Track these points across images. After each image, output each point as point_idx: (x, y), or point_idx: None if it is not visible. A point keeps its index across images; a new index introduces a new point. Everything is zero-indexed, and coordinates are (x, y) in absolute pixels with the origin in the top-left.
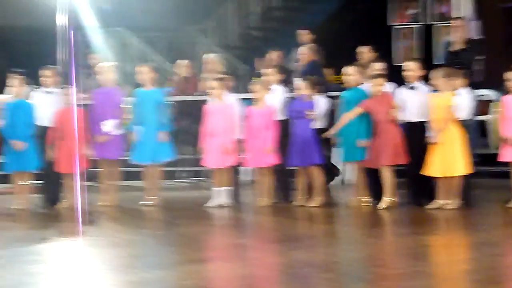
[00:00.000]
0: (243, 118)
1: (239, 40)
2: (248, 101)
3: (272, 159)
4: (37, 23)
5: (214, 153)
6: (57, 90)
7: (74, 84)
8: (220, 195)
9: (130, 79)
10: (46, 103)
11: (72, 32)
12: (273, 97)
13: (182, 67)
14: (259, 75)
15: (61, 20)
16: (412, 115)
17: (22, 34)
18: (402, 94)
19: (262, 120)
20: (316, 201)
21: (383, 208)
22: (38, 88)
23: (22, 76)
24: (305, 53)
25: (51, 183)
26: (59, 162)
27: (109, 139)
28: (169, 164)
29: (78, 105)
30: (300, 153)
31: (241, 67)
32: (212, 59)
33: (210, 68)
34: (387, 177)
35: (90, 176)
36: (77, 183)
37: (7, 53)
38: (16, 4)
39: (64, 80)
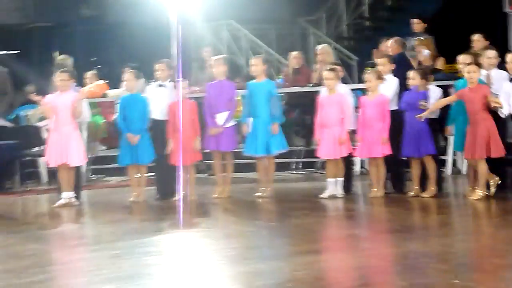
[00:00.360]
0: (355, 108)
1: (350, 30)
2: (360, 92)
3: (385, 149)
4: (149, 19)
5: (327, 144)
6: (169, 83)
7: (181, 77)
8: (333, 186)
9: (241, 71)
10: (160, 97)
11: (179, 26)
12: (386, 87)
13: (294, 58)
14: (372, 65)
15: (172, 14)
16: None
17: (135, 29)
18: (505, 87)
19: (375, 110)
20: (430, 191)
21: (476, 199)
22: (152, 82)
23: (136, 71)
24: (392, 46)
25: (166, 176)
26: (173, 155)
27: (222, 132)
28: (281, 156)
29: (190, 98)
30: (414, 144)
31: (353, 57)
32: (324, 50)
33: (322, 59)
34: (482, 170)
35: (204, 168)
36: (188, 175)
37: (121, 48)
38: (128, 0)
39: (176, 74)
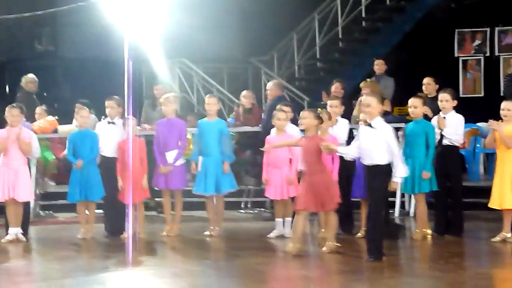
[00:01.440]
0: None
1: (301, 71)
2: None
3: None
4: (103, 55)
5: (275, 184)
6: (119, 121)
7: (131, 115)
8: (281, 226)
9: (193, 109)
10: (109, 134)
11: (131, 62)
12: (338, 129)
13: (244, 98)
14: (324, 106)
15: (126, 51)
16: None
17: (87, 65)
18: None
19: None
20: None
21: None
22: (102, 118)
23: (88, 107)
24: (271, 88)
25: (114, 213)
26: (122, 192)
27: (172, 170)
28: (231, 195)
29: (140, 136)
30: (364, 185)
31: (304, 98)
32: (274, 85)
33: (272, 94)
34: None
35: (154, 206)
36: (136, 213)
37: (73, 84)
38: (84, 36)
39: (127, 111)
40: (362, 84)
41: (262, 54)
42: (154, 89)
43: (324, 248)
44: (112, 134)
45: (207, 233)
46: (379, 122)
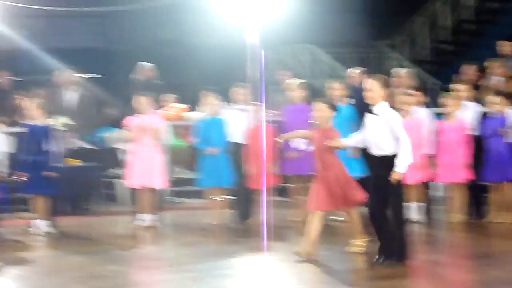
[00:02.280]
0: (434, 133)
1: (430, 54)
2: (439, 116)
3: (465, 174)
4: (227, 41)
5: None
6: (247, 107)
7: (264, 101)
8: (412, 211)
9: (319, 95)
10: (238, 120)
11: (262, 49)
12: (465, 113)
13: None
14: (450, 89)
15: (250, 37)
16: None
17: (213, 52)
18: None
19: (454, 135)
20: (510, 217)
21: None
22: (230, 105)
23: (215, 93)
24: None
25: (244, 199)
26: (251, 178)
27: (300, 155)
28: None
29: (268, 122)
30: (495, 169)
31: (432, 81)
32: (402, 74)
33: (400, 83)
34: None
35: (282, 192)
36: (266, 198)
37: (199, 71)
38: (207, 23)
39: (254, 97)
40: (486, 64)
41: (387, 38)
42: (280, 75)
43: (348, 248)
44: (241, 120)
45: (336, 218)
46: (382, 107)
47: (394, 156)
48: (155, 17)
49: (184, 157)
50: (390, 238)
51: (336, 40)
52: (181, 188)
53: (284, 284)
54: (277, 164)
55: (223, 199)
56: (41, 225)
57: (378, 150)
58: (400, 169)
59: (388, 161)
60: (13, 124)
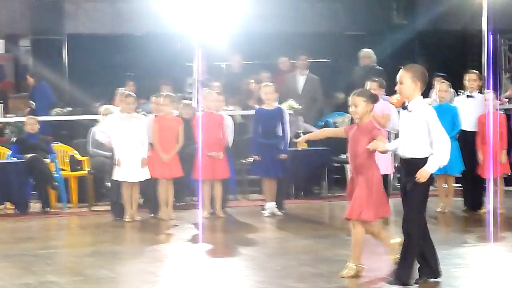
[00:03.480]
0: None
1: None
2: None
3: None
4: (460, 27)
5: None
6: (478, 95)
7: (491, 89)
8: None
9: None
10: (468, 108)
11: (490, 35)
12: None
13: None
14: None
15: (485, 23)
16: None
17: (445, 38)
18: None
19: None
20: None
21: None
22: (461, 92)
23: (447, 80)
24: None
25: (473, 187)
26: (481, 167)
27: None
28: None
29: (499, 110)
30: None
31: None
32: None
33: None
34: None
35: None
36: (495, 187)
37: (429, 57)
38: (440, 8)
39: (486, 85)
40: None
41: None
42: None
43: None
44: (471, 108)
45: None
46: (417, 103)
47: (424, 160)
48: (388, 2)
49: None
50: (430, 254)
51: None
52: None
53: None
54: (504, 153)
55: (452, 187)
56: (271, 207)
57: (412, 153)
58: (432, 168)
59: (417, 166)
60: (245, 107)
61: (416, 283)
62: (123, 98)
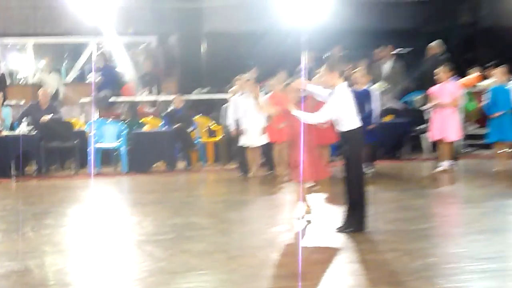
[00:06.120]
0: None
1: None
2: None
3: None
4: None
5: None
6: None
7: None
8: None
9: None
10: None
11: None
12: None
13: None
14: None
15: None
16: None
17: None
18: None
19: None
20: None
21: None
22: None
23: (504, 67)
24: None
25: None
26: None
27: None
28: None
29: None
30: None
31: None
32: None
33: None
34: None
35: None
36: None
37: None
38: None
39: None
40: None
41: None
42: None
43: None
44: None
45: None
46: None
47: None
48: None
49: (477, 116)
50: (360, 210)
51: None
52: (474, 141)
53: None
54: None
55: (508, 151)
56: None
57: (343, 127)
58: (299, 114)
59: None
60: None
61: (340, 231)
62: (245, 81)
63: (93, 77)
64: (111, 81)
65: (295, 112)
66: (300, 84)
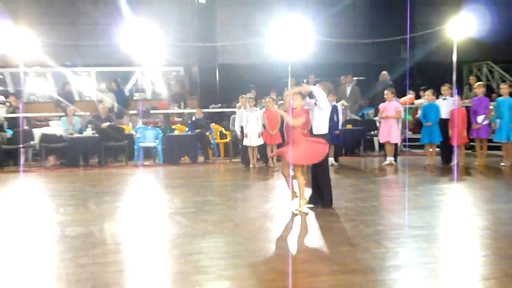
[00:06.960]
0: None
1: None
2: None
3: None
4: (439, 59)
5: None
6: (450, 98)
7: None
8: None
9: None
10: (444, 105)
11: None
12: None
13: None
14: None
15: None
16: None
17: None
18: None
19: None
20: None
21: None
22: (441, 96)
23: (432, 90)
24: None
25: (446, 150)
26: (451, 139)
27: None
28: None
29: (461, 106)
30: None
31: None
32: None
33: None
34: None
35: None
36: (458, 151)
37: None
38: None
39: (454, 92)
40: None
41: None
42: None
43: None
44: (446, 105)
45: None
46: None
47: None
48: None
49: (412, 125)
50: (326, 191)
51: None
52: (410, 143)
53: None
54: (465, 131)
55: (435, 150)
56: (331, 160)
57: (318, 131)
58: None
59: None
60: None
61: (311, 209)
62: (247, 99)
63: (139, 96)
64: (122, 100)
65: (285, 116)
66: (306, 88)
